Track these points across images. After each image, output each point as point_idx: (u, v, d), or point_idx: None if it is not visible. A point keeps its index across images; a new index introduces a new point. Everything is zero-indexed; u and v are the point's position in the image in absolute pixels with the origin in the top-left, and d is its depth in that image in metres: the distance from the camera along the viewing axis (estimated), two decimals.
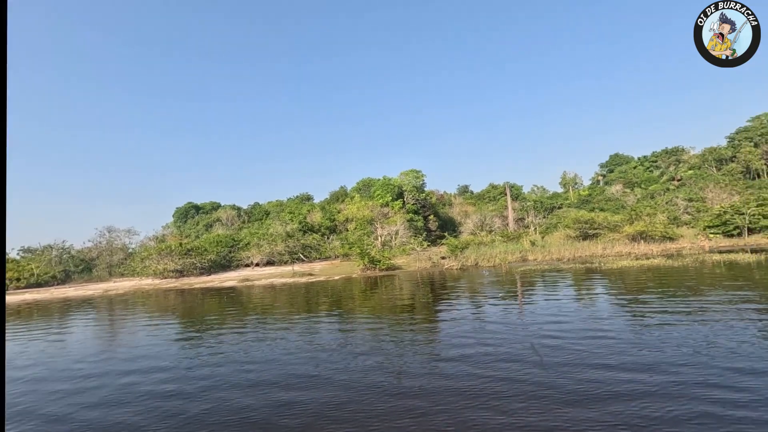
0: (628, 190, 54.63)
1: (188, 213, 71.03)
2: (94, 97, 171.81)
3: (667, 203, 40.23)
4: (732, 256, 22.90)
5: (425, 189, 69.00)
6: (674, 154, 68.69)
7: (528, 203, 64.37)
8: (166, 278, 42.21)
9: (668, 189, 50.56)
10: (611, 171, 75.57)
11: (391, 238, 52.00)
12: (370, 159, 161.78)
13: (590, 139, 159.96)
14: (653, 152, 73.83)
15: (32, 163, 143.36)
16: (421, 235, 52.64)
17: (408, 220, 57.22)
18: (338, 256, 49.58)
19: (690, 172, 58.96)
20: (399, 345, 10.05)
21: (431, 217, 66.56)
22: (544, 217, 58.72)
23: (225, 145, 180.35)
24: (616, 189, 56.06)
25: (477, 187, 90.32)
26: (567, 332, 9.86)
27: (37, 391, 8.65)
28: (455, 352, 9.10)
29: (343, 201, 70.28)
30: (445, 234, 44.09)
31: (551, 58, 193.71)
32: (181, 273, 42.95)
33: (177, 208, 71.58)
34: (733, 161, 55.91)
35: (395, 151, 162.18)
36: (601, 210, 42.99)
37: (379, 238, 52.19)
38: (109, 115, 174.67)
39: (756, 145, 55.00)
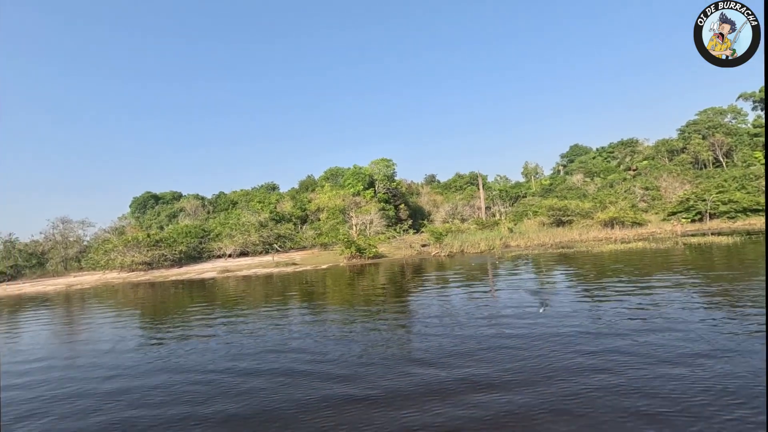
0: (588, 180, 58.92)
1: (147, 203, 66.99)
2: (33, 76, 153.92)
3: (625, 191, 44.24)
4: (708, 239, 24.82)
5: (396, 178, 69.97)
6: (630, 145, 74.56)
7: (494, 192, 67.41)
8: (134, 271, 40.01)
9: (625, 178, 55.19)
10: (571, 161, 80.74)
11: (366, 227, 52.61)
12: (334, 148, 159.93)
13: (550, 131, 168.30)
14: (610, 143, 79.36)
15: None
16: (402, 224, 53.71)
17: (380, 209, 57.98)
18: (314, 246, 49.50)
19: (644, 162, 64.47)
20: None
21: (402, 206, 67.78)
22: (510, 206, 61.88)
23: (184, 132, 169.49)
24: (576, 178, 60.29)
25: (443, 177, 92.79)
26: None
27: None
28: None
29: (313, 190, 69.60)
30: (420, 222, 45.52)
31: (511, 45, 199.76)
32: (149, 265, 40.89)
33: (134, 198, 67.30)
34: (683, 152, 61.67)
35: (359, 141, 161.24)
36: (564, 198, 46.34)
37: (354, 227, 52.63)
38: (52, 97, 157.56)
39: (704, 137, 61.13)
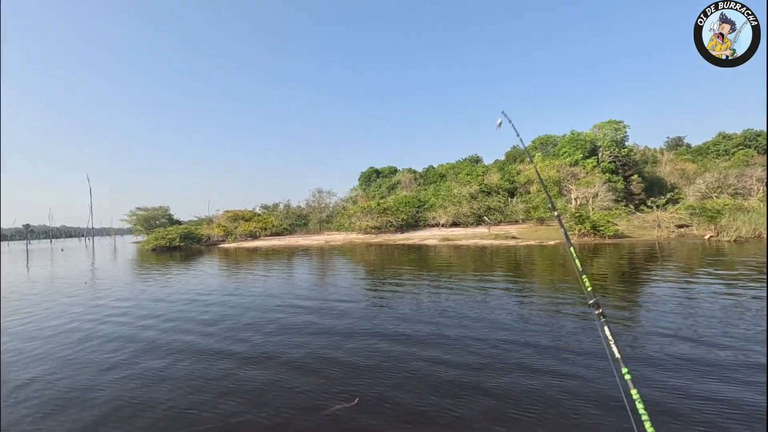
0: None
1: (370, 177, 78.27)
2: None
3: None
4: None
5: (626, 144, 57.97)
6: None
7: None
8: (368, 233, 47.64)
9: None
10: None
11: (588, 201, 45.89)
12: (541, 115, 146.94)
13: None
14: None
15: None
16: (632, 198, 44.72)
17: (605, 181, 49.37)
18: (527, 220, 46.87)
19: None
20: None
21: (634, 177, 55.95)
22: None
23: (396, 112, 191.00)
24: None
25: (694, 139, 71.39)
26: None
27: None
28: None
29: (521, 161, 65.61)
30: (669, 197, 35.97)
31: None
32: (379, 229, 47.73)
33: (361, 172, 79.83)
34: None
35: (576, 104, 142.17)
36: None
37: (573, 201, 46.80)
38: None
39: None
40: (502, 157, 72.62)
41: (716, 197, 40.25)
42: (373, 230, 47.78)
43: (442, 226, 48.62)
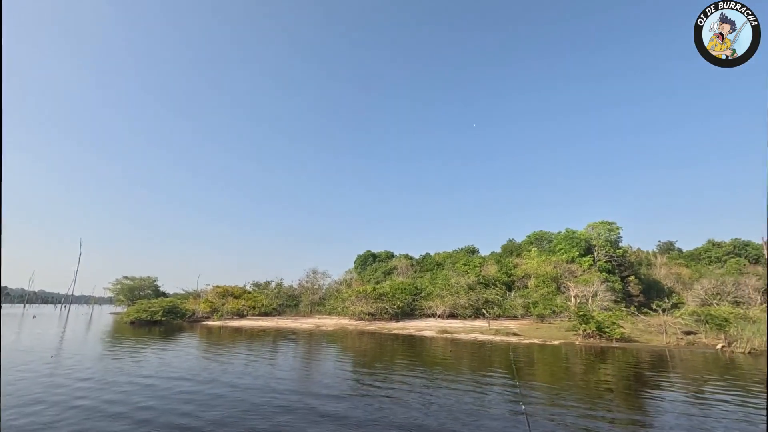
0: None
1: (367, 260, 77.80)
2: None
3: None
4: None
5: (620, 245, 59.04)
6: None
7: None
8: (361, 320, 45.47)
9: None
10: None
11: (588, 300, 45.01)
12: (535, 211, 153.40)
13: None
14: None
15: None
16: (631, 300, 44.00)
17: (603, 281, 49.08)
18: (526, 316, 45.38)
19: None
20: None
21: (631, 278, 55.83)
22: None
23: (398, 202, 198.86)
24: None
25: (685, 245, 73.18)
26: None
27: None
28: None
29: (518, 255, 66.04)
30: (651, 301, 35.54)
31: None
32: (373, 316, 45.69)
33: (358, 255, 79.55)
34: None
35: (570, 203, 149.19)
36: None
37: (572, 299, 45.92)
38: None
39: None
40: (498, 250, 73.20)
41: (717, 304, 39.70)
42: (366, 316, 45.72)
43: (439, 316, 46.78)
